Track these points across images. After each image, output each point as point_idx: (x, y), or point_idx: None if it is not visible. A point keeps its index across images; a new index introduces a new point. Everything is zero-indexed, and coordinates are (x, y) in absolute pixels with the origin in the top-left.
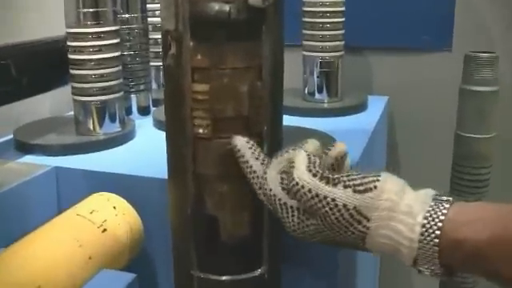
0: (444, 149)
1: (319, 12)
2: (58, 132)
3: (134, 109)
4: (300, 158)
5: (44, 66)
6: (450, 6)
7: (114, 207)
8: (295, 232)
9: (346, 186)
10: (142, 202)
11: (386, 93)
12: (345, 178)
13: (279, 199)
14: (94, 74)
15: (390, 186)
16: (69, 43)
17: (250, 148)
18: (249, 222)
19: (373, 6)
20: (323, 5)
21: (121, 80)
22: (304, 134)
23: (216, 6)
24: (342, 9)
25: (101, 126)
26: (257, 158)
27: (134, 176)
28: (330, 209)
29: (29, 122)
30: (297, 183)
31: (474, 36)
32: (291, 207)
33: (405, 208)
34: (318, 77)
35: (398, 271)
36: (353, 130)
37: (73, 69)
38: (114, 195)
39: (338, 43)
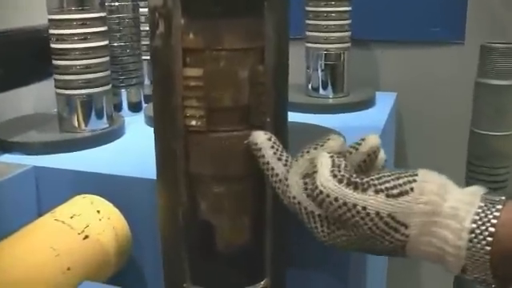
0: (457, 148)
1: (324, 0)
2: (40, 129)
3: (125, 105)
4: (323, 161)
5: (24, 56)
6: None
7: (98, 211)
8: (326, 242)
9: (377, 191)
10: (130, 205)
11: (394, 89)
12: (375, 182)
13: (305, 208)
14: (79, 65)
15: (429, 186)
16: (51, 31)
17: (272, 147)
18: (249, 228)
19: None
20: None
21: (108, 72)
22: (311, 130)
23: None
24: None
25: (86, 122)
26: (279, 159)
27: (121, 176)
28: (362, 218)
29: (10, 118)
30: (321, 191)
31: (488, 27)
32: (319, 216)
33: (449, 211)
34: (322, 70)
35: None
36: (361, 128)
37: (56, 59)
38: (98, 198)
39: (343, 34)
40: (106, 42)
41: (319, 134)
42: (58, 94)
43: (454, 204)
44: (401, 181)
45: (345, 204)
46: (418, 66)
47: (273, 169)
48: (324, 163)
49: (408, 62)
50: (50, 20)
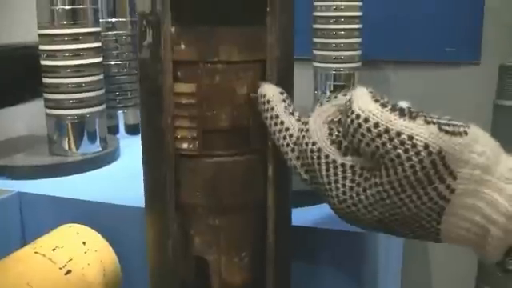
0: None
1: (333, 17)
2: (28, 152)
3: (122, 127)
4: (358, 91)
5: (11, 75)
6: (477, 16)
7: (84, 242)
8: (345, 202)
9: (428, 122)
10: (120, 236)
11: None
12: (425, 114)
13: (326, 156)
14: (70, 83)
15: (484, 138)
16: (41, 47)
17: (284, 101)
18: (248, 265)
19: (392, 16)
20: (337, 9)
21: (102, 91)
22: None
23: None
24: (359, 14)
25: (78, 145)
26: (291, 114)
27: (111, 205)
28: (406, 151)
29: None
30: (357, 116)
31: (504, 47)
32: (342, 166)
33: (505, 172)
34: (331, 92)
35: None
36: None
37: (46, 77)
38: (85, 228)
39: (354, 53)
40: (99, 59)
41: None
42: (47, 115)
43: (511, 166)
44: (453, 121)
45: (387, 131)
46: (432, 88)
47: (282, 123)
48: (361, 92)
49: (422, 83)
50: (40, 35)
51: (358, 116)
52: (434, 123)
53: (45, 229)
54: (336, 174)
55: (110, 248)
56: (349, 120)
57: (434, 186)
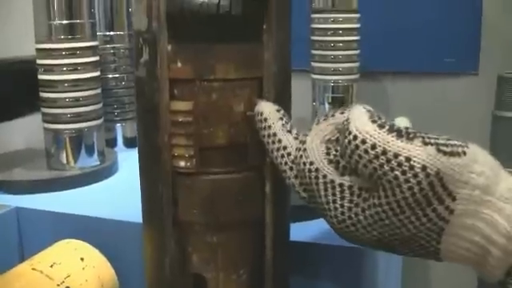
0: None
1: (330, 29)
2: (26, 166)
3: (120, 140)
4: (356, 111)
5: (9, 89)
6: (475, 27)
7: (82, 258)
8: (343, 223)
9: (425, 143)
10: (119, 252)
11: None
12: (423, 134)
13: (323, 176)
14: (68, 98)
15: (483, 157)
16: (39, 61)
17: (281, 119)
18: (247, 282)
19: (390, 27)
20: (335, 21)
21: (100, 105)
22: None
23: None
24: (357, 25)
25: (76, 159)
26: (289, 131)
27: (110, 220)
28: (403, 172)
29: None
30: (355, 137)
31: (503, 58)
32: (340, 185)
33: (505, 192)
34: (329, 103)
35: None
36: None
37: (43, 91)
38: (83, 243)
39: (352, 65)
40: (97, 73)
41: None
42: (45, 129)
43: (511, 186)
44: (451, 141)
45: (384, 153)
46: (430, 98)
47: (280, 141)
48: (358, 111)
49: (420, 94)
50: (37, 49)
51: (355, 137)
52: (431, 144)
53: (43, 244)
54: (334, 194)
55: (108, 264)
56: (346, 141)
57: (433, 207)
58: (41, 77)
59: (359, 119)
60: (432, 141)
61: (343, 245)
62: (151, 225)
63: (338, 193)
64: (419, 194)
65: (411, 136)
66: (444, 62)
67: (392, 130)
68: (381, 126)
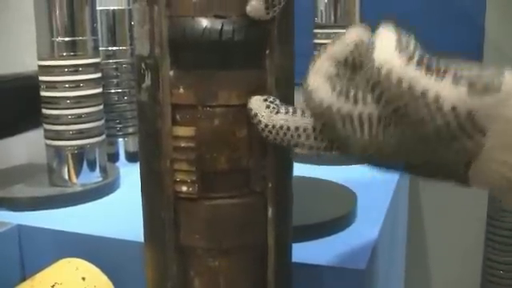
0: (475, 199)
1: None
2: (28, 182)
3: (122, 155)
4: (384, 37)
5: (11, 105)
6: (477, 43)
7: (83, 278)
8: (367, 151)
9: (457, 80)
10: (121, 271)
11: None
12: (455, 68)
13: (338, 110)
14: (70, 115)
15: None
16: (41, 78)
17: (268, 106)
18: None
19: None
20: None
21: (102, 121)
22: (315, 186)
23: (204, 23)
24: None
25: (78, 175)
26: (277, 112)
27: (112, 239)
28: (430, 112)
29: None
30: (378, 69)
31: None
32: (359, 117)
33: None
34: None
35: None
36: (374, 182)
37: (45, 108)
38: (84, 263)
39: None
40: (99, 90)
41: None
42: (47, 146)
43: None
44: (485, 74)
45: (411, 89)
46: None
47: (274, 127)
48: (386, 37)
49: None
50: (39, 66)
51: (379, 69)
52: (463, 81)
53: (44, 262)
54: (353, 127)
55: (110, 284)
56: (369, 72)
57: (461, 142)
58: (43, 93)
59: (385, 48)
60: (464, 74)
61: (345, 266)
62: (153, 249)
63: (356, 124)
64: (446, 133)
65: (442, 71)
66: None
67: (421, 63)
68: (409, 58)
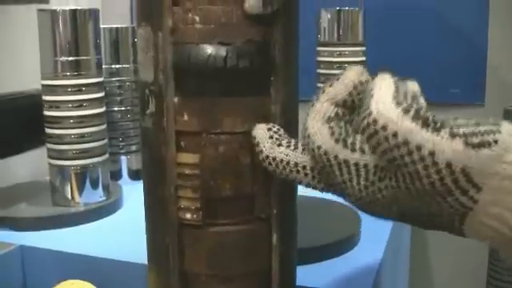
0: None
1: (336, 63)
2: (31, 201)
3: (125, 172)
4: (382, 84)
5: (14, 124)
6: (480, 57)
7: None
8: (362, 200)
9: (453, 135)
10: None
11: None
12: (451, 122)
13: (335, 157)
14: (74, 134)
15: None
16: (44, 97)
17: (271, 137)
18: None
19: (394, 56)
20: (341, 54)
21: (105, 141)
22: (318, 206)
23: (209, 50)
24: (363, 59)
25: (80, 194)
26: (279, 145)
27: (115, 261)
28: (425, 167)
29: (1, 187)
30: (375, 120)
31: (509, 89)
32: (355, 165)
33: None
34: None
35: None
36: None
37: (49, 127)
38: (88, 284)
39: None
40: (102, 109)
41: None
42: (50, 165)
43: None
44: (482, 128)
45: (406, 143)
46: None
47: (274, 159)
48: (384, 87)
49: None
50: (43, 85)
51: (375, 121)
52: (459, 136)
53: (47, 283)
54: (350, 173)
55: None
56: (365, 122)
57: (455, 197)
58: (46, 113)
59: (382, 99)
60: (460, 131)
61: None
62: (157, 273)
63: (353, 172)
64: (440, 187)
65: (438, 126)
66: (449, 93)
67: (418, 116)
68: (406, 111)
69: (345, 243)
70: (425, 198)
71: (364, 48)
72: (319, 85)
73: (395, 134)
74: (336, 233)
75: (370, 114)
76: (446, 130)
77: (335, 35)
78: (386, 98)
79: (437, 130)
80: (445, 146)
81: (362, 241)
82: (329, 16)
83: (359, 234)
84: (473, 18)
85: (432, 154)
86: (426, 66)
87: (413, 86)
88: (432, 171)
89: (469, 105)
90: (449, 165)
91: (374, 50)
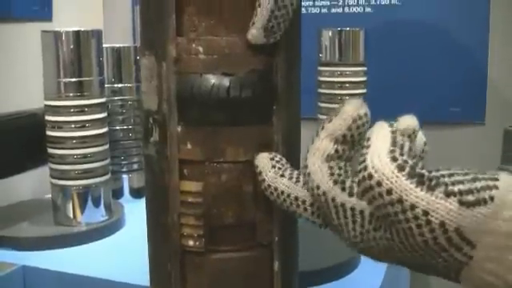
0: None
1: (338, 82)
2: (33, 220)
3: (126, 191)
4: (379, 135)
5: (16, 143)
6: (481, 76)
7: None
8: (358, 245)
9: (448, 194)
10: None
11: None
12: (446, 180)
13: (332, 199)
14: (76, 155)
15: None
16: (47, 118)
17: (274, 166)
18: None
19: (395, 75)
20: (342, 74)
21: (107, 161)
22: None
23: (212, 80)
24: (364, 79)
25: (82, 214)
26: (282, 175)
27: (117, 282)
28: (418, 226)
29: (2, 206)
30: (370, 176)
31: (509, 108)
32: (352, 210)
33: None
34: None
35: None
36: None
37: (51, 147)
38: None
39: None
40: (105, 130)
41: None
42: (52, 185)
43: None
44: (478, 184)
45: (400, 201)
46: (436, 148)
47: (276, 189)
48: (381, 137)
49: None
50: (46, 106)
51: (370, 176)
52: (454, 195)
53: None
54: (346, 217)
55: None
56: (360, 175)
57: (449, 253)
58: (49, 133)
59: (378, 154)
60: (456, 189)
61: None
62: None
63: (349, 216)
64: (434, 245)
65: (433, 184)
66: (449, 112)
67: (413, 174)
68: (401, 168)
69: (345, 266)
70: (419, 252)
71: (365, 68)
72: (321, 104)
73: (389, 192)
74: (336, 255)
75: (365, 168)
76: (441, 188)
77: (336, 55)
78: (381, 151)
79: (431, 188)
80: (439, 205)
81: (362, 263)
82: (330, 35)
83: (359, 257)
84: (473, 37)
85: (426, 213)
86: (427, 84)
87: (411, 122)
88: (425, 230)
89: (469, 123)
90: (442, 224)
91: (375, 68)
